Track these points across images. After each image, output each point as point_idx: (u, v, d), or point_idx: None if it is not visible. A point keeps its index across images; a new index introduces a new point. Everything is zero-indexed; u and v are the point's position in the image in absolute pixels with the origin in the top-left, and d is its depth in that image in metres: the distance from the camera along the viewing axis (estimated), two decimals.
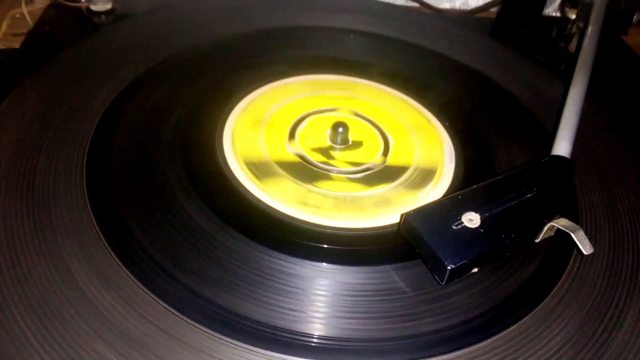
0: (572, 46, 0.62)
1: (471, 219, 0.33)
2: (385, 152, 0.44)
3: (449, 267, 0.31)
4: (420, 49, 0.57)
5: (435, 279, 0.33)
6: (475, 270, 0.33)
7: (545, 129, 0.48)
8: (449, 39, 0.59)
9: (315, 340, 0.30)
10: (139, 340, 0.29)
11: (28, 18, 0.57)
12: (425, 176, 0.42)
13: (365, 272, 0.34)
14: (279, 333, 0.30)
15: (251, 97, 0.47)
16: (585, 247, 0.33)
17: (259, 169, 0.40)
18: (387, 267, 0.35)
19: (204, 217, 0.36)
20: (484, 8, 0.72)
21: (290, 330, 0.30)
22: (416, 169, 0.43)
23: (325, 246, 0.35)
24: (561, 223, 0.34)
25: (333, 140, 0.44)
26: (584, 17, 0.59)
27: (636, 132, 0.50)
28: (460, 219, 0.33)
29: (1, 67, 0.51)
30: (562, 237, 0.34)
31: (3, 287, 0.30)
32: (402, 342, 0.31)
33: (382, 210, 0.38)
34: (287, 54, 0.53)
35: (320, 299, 0.32)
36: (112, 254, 0.33)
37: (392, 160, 0.43)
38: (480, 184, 0.36)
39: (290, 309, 0.31)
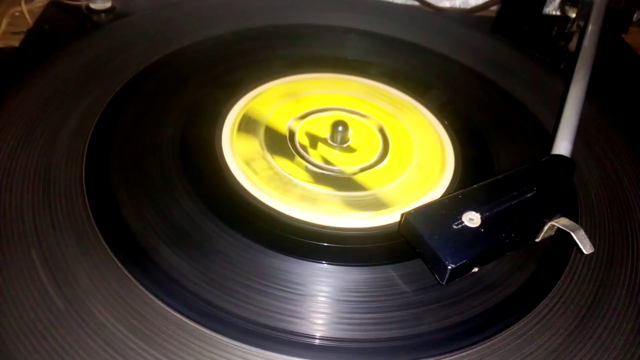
0: (572, 45, 0.62)
1: (471, 219, 0.33)
2: (371, 167, 0.43)
3: (449, 267, 0.31)
4: (420, 47, 0.57)
5: (436, 279, 0.33)
6: (476, 269, 0.33)
7: (545, 128, 0.48)
8: (448, 37, 0.59)
9: (316, 340, 0.30)
10: (137, 340, 0.29)
11: (28, 16, 0.57)
12: (424, 176, 0.42)
13: (366, 272, 0.34)
14: (279, 333, 0.30)
15: (256, 91, 0.48)
16: (585, 247, 0.33)
17: (247, 124, 0.43)
18: (387, 267, 0.35)
19: (203, 217, 0.36)
20: (484, 7, 0.72)
21: (290, 330, 0.30)
22: (414, 169, 0.43)
23: (325, 244, 0.35)
24: (561, 222, 0.34)
25: (332, 136, 0.44)
26: (584, 16, 0.59)
27: (636, 131, 0.50)
28: (460, 219, 0.33)
29: (0, 65, 0.51)
30: (562, 236, 0.34)
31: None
32: (402, 341, 0.31)
33: (302, 204, 0.38)
34: (286, 53, 0.53)
35: (320, 299, 0.32)
36: (112, 255, 0.33)
37: (370, 176, 0.42)
38: (480, 183, 0.36)
39: (290, 309, 0.31)
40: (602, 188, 0.43)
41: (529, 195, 0.35)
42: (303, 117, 0.46)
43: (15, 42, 0.55)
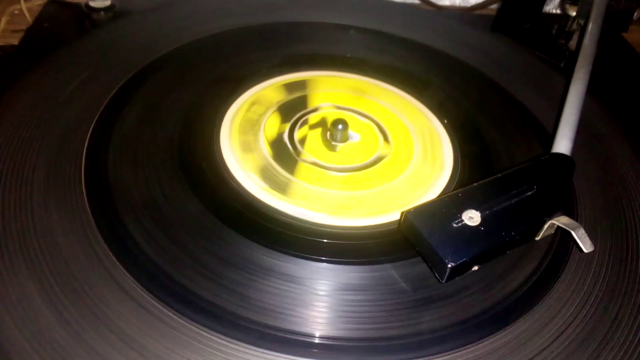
0: (573, 43, 0.62)
1: (471, 217, 0.33)
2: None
3: (449, 265, 0.31)
4: (419, 45, 0.57)
5: (436, 277, 0.32)
6: (476, 268, 0.33)
7: (545, 127, 0.48)
8: (448, 36, 0.59)
9: (316, 340, 0.30)
10: (135, 339, 0.29)
11: (27, 14, 0.57)
12: (424, 175, 0.42)
13: (365, 270, 0.34)
14: (279, 333, 0.30)
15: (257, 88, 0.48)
16: (585, 245, 0.33)
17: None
18: (387, 265, 0.35)
19: (202, 216, 0.36)
20: (484, 5, 0.72)
21: (290, 330, 0.30)
22: (413, 167, 0.43)
23: (325, 240, 0.36)
24: (561, 221, 0.34)
25: (332, 135, 0.44)
26: (584, 14, 0.59)
27: (636, 130, 0.50)
28: (460, 217, 0.33)
29: (0, 63, 0.51)
30: (562, 235, 0.34)
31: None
32: (402, 341, 0.31)
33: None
34: (285, 51, 0.53)
35: (320, 298, 0.32)
36: (112, 254, 0.33)
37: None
38: (480, 181, 0.36)
39: (290, 309, 0.31)
40: (602, 186, 0.43)
41: (529, 193, 0.35)
42: (303, 115, 0.46)
43: (14, 40, 0.54)
